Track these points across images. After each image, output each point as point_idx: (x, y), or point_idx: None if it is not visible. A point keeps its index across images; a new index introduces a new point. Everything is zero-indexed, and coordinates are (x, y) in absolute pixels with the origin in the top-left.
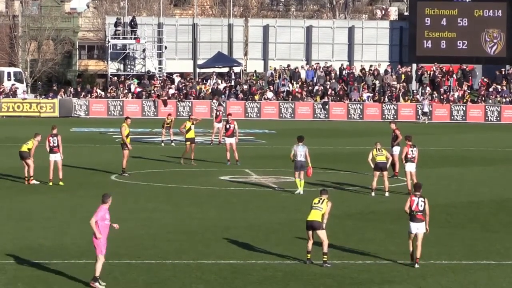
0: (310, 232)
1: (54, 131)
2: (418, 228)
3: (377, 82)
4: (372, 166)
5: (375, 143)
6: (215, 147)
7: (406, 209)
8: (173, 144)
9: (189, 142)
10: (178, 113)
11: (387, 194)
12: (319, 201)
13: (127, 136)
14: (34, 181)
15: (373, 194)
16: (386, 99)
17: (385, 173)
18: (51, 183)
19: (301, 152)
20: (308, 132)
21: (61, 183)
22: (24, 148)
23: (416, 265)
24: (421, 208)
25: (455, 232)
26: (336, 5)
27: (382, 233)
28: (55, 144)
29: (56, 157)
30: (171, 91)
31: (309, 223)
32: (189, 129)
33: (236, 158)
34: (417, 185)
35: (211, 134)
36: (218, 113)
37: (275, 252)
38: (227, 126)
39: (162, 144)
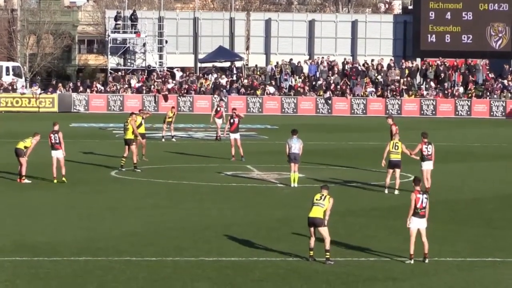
0: (312, 229)
1: (56, 128)
2: (421, 224)
3: (380, 77)
4: (384, 159)
5: (394, 134)
6: (217, 143)
7: (413, 207)
8: (173, 139)
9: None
10: (180, 108)
11: (396, 192)
12: (320, 197)
13: (138, 127)
14: (26, 180)
15: (386, 191)
16: (390, 94)
17: (398, 170)
18: (55, 181)
19: (295, 144)
20: (310, 127)
21: (64, 179)
22: (21, 145)
23: (426, 260)
24: (424, 205)
25: (459, 229)
26: None
27: (385, 230)
28: (57, 141)
29: (57, 154)
30: (169, 85)
31: (310, 220)
32: (140, 124)
33: (241, 154)
34: (417, 179)
35: (216, 129)
36: (219, 109)
37: (277, 249)
38: (231, 121)
39: (163, 140)
